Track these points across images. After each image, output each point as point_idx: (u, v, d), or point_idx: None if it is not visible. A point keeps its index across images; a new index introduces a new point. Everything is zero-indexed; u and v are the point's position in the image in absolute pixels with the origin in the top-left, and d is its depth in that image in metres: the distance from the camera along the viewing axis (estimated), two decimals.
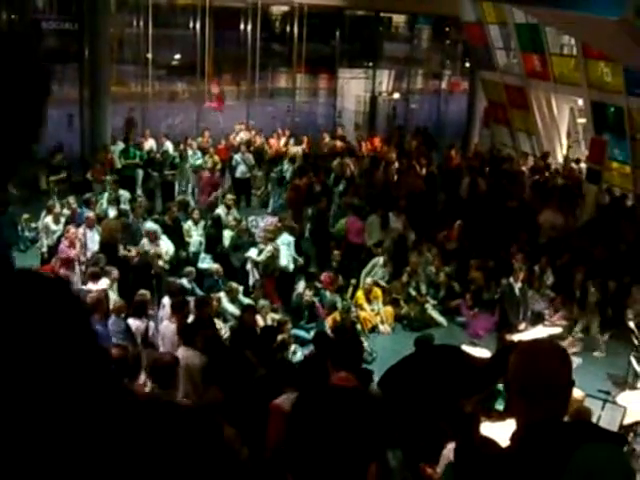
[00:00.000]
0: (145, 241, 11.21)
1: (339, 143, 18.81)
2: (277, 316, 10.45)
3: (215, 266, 11.43)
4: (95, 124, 17.11)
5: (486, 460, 2.26)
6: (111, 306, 8.71)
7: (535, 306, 11.33)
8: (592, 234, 13.44)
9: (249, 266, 11.79)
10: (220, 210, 13.15)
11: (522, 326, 10.11)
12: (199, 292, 10.80)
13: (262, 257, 11.69)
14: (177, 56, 22.19)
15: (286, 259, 11.88)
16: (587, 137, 17.97)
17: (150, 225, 11.54)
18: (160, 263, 11.09)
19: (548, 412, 2.14)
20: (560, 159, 18.53)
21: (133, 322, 8.57)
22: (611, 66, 15.65)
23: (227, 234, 12.48)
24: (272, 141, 18.41)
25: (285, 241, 12.15)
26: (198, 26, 19.93)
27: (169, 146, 16.97)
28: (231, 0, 20.29)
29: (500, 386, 2.58)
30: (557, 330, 10.69)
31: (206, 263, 12.02)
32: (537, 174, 16.84)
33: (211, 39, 20.25)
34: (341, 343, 4.84)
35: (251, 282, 11.75)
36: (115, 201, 12.91)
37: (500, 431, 2.79)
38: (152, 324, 8.92)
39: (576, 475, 1.99)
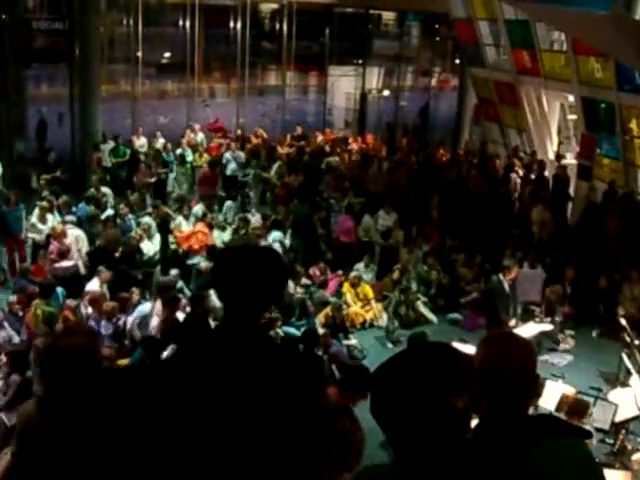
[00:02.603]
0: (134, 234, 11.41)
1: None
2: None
3: (205, 264, 11.36)
4: (85, 123, 17.04)
5: (446, 454, 2.24)
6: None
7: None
8: (583, 230, 13.46)
9: None
10: (198, 208, 13.09)
11: (513, 323, 10.12)
12: (187, 291, 10.80)
13: None
14: (167, 54, 22.09)
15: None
16: (578, 133, 18.00)
17: (147, 219, 11.64)
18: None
19: (510, 405, 2.11)
20: (551, 155, 18.53)
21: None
22: (602, 62, 15.65)
23: (217, 234, 12.41)
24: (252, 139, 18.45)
25: (276, 237, 12.16)
26: (188, 24, 19.88)
27: (160, 143, 17.01)
28: None
29: None
30: (548, 327, 10.71)
31: (196, 259, 12.01)
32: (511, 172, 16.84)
33: (201, 37, 20.19)
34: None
35: None
36: (94, 200, 12.93)
37: None
38: (130, 319, 9.17)
39: (538, 469, 1.97)
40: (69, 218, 11.60)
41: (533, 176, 16.45)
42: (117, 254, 10.96)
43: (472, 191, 15.37)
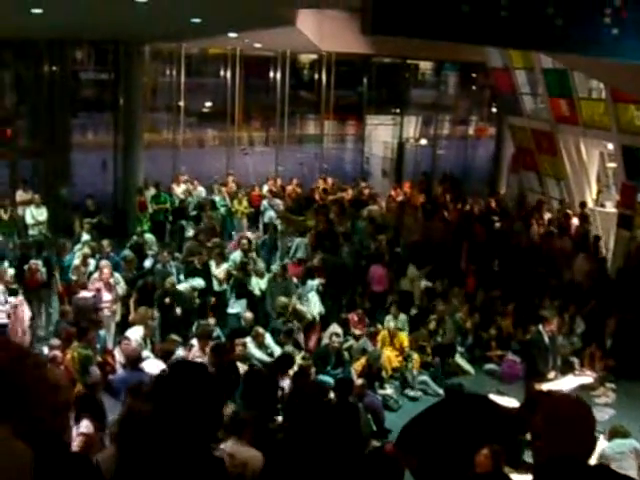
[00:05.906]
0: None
1: (367, 190, 18.98)
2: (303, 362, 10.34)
3: (249, 315, 11.21)
4: (128, 170, 17.47)
5: None
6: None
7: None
8: (624, 281, 13.21)
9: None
10: (237, 254, 13.17)
11: (552, 375, 9.91)
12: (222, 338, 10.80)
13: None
14: (208, 103, 22.61)
15: (317, 306, 11.84)
16: (618, 182, 17.80)
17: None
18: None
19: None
20: (591, 204, 18.32)
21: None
22: None
23: (255, 281, 12.40)
24: (289, 188, 18.57)
25: (312, 287, 12.12)
26: (229, 74, 20.38)
27: (202, 191, 17.34)
28: (261, 49, 20.71)
29: (528, 437, 2.55)
30: (588, 380, 10.47)
31: (235, 309, 12.02)
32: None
33: (241, 87, 20.65)
34: None
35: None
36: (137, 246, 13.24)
37: None
38: None
39: None
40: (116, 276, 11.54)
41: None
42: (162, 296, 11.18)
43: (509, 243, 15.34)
